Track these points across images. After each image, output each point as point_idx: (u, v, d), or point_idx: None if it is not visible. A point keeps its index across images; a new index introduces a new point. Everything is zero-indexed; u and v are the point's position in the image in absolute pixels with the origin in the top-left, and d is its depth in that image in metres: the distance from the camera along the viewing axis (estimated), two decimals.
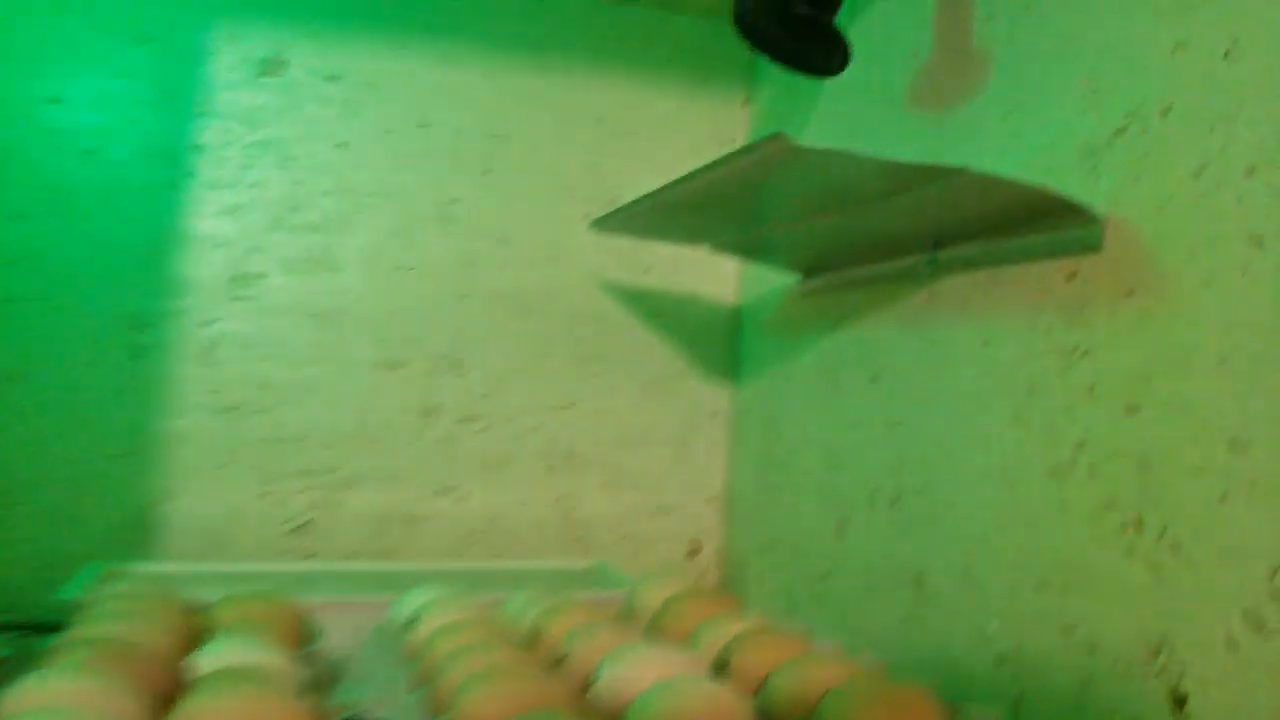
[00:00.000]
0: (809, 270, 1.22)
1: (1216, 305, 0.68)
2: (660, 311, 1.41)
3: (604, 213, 1.15)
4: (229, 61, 1.25)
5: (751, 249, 1.16)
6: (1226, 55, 0.69)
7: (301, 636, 0.86)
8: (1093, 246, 0.79)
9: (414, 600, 0.91)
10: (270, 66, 1.26)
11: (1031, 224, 0.85)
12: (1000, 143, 0.91)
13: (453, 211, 1.33)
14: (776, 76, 1.38)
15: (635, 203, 1.00)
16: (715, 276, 1.44)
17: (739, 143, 1.43)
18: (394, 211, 1.31)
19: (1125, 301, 0.76)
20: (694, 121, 1.43)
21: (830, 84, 1.18)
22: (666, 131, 1.41)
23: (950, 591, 0.94)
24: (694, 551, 1.43)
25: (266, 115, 1.26)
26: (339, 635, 0.90)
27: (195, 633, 0.83)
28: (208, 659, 0.72)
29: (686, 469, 1.42)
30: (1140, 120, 0.76)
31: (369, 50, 1.30)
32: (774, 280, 1.34)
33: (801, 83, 1.24)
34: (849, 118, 1.20)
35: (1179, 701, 0.68)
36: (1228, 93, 0.69)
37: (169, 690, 0.68)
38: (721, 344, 1.44)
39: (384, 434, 1.29)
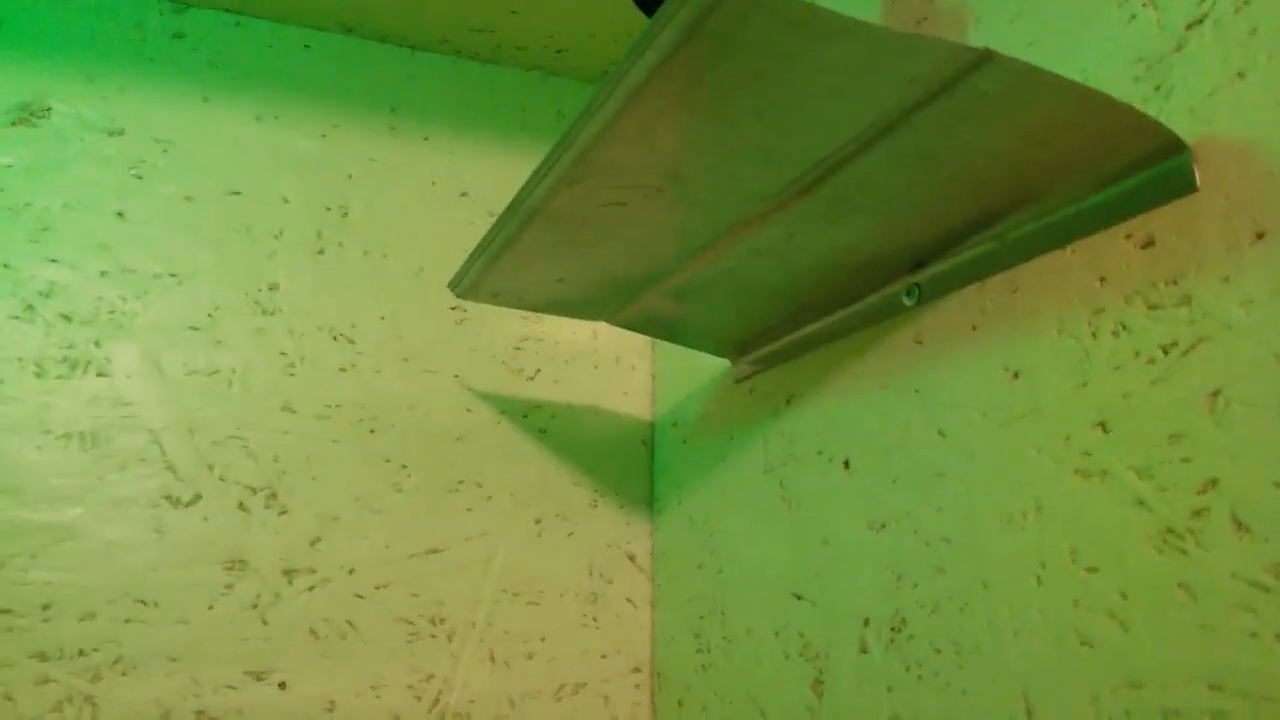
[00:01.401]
0: (742, 346, 0.94)
1: None
2: (553, 427, 1.10)
3: (470, 302, 0.87)
4: None
5: (666, 315, 0.88)
6: None
7: None
8: (1181, 188, 0.53)
9: None
10: (26, 113, 0.97)
11: (1074, 180, 0.59)
12: None
13: (272, 300, 1.02)
14: None
15: (507, 218, 0.71)
16: (621, 381, 1.14)
17: None
18: (190, 299, 0.99)
19: (1254, 250, 0.49)
20: None
21: None
22: None
23: None
24: None
25: (14, 175, 0.95)
26: None
27: None
28: None
29: (599, 631, 1.08)
30: None
31: (163, 99, 1.02)
32: (697, 376, 1.05)
33: None
34: None
35: None
36: None
37: None
38: (635, 465, 1.13)
39: (169, 597, 0.93)
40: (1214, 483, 0.50)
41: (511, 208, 0.70)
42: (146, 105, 1.01)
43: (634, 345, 1.16)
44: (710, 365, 1.03)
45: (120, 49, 1.02)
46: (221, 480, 0.96)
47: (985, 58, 0.49)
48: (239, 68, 1.06)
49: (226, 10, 1.06)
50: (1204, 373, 0.51)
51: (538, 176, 0.65)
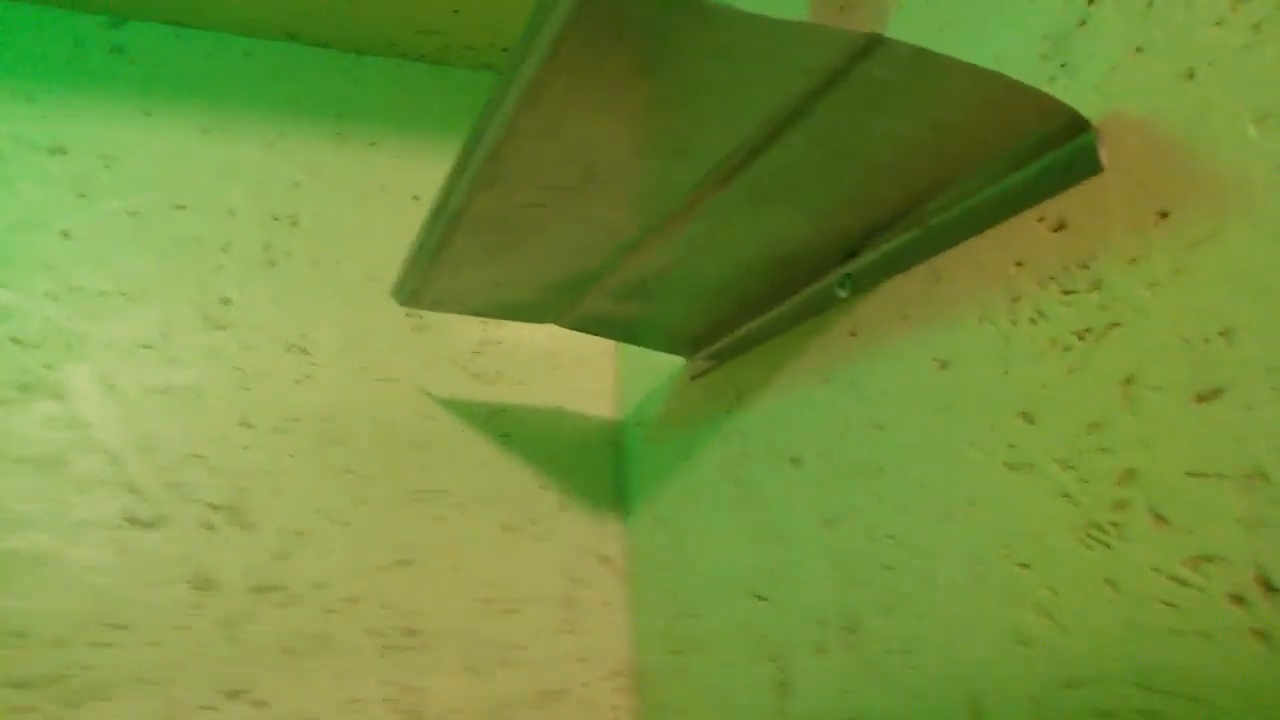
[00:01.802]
0: (695, 343, 0.92)
1: None
2: (517, 431, 1.09)
3: (425, 308, 0.86)
4: None
5: (614, 315, 0.87)
6: None
7: None
8: (1087, 169, 0.51)
9: None
10: None
11: (984, 165, 0.57)
12: None
13: (224, 315, 1.01)
14: None
15: (432, 222, 0.70)
16: (585, 381, 1.13)
17: None
18: (141, 317, 0.98)
19: (1158, 230, 0.47)
20: None
21: None
22: None
23: None
24: None
25: None
26: None
27: None
28: None
29: (576, 636, 1.07)
30: None
31: (105, 115, 1.01)
32: (659, 374, 1.04)
33: None
34: None
35: None
36: None
37: None
38: (603, 466, 1.12)
39: (140, 619, 0.92)
40: (1132, 473, 0.48)
41: (434, 211, 0.69)
42: (88, 122, 1.01)
43: (597, 345, 1.14)
44: (671, 362, 1.01)
45: (59, 66, 1.01)
46: (183, 499, 0.96)
47: (874, 43, 0.47)
48: (181, 79, 1.05)
49: (166, 22, 1.05)
50: (1117, 359, 0.49)
51: (454, 177, 0.64)
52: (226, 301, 1.01)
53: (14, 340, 0.94)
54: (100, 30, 1.03)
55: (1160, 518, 0.47)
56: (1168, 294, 0.46)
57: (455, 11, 1.06)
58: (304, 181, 1.06)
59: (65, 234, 0.98)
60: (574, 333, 1.11)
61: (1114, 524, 0.49)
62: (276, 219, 1.05)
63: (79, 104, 1.01)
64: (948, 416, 0.61)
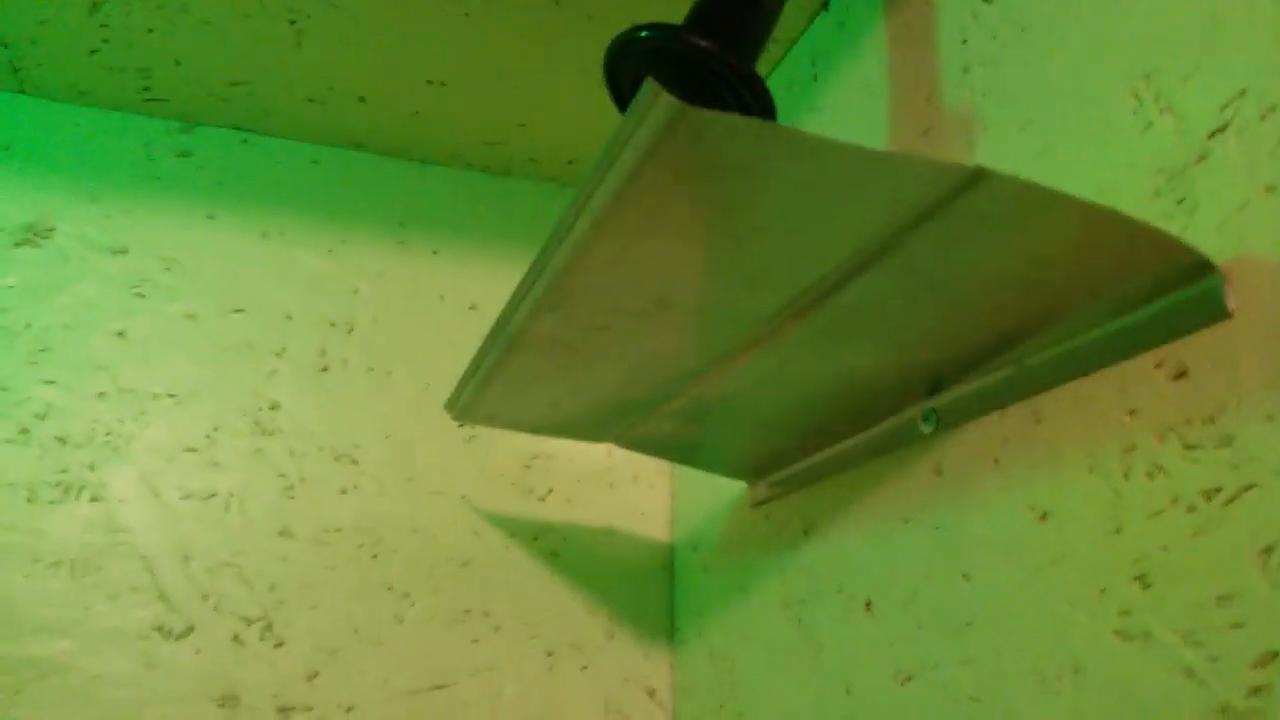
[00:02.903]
0: (758, 469, 0.88)
1: None
2: (566, 551, 1.04)
3: (478, 423, 0.84)
4: None
5: (674, 439, 0.83)
6: None
7: None
8: (1213, 313, 0.47)
9: None
10: (30, 233, 0.96)
11: (1092, 304, 0.53)
12: None
13: (273, 420, 0.98)
14: None
15: (491, 342, 0.67)
16: (639, 500, 1.08)
17: None
18: (188, 420, 0.96)
19: None
20: None
21: None
22: None
23: None
24: None
25: (15, 295, 0.94)
26: None
27: None
28: None
29: None
30: (1255, 98, 0.46)
31: (168, 217, 1.01)
32: (717, 497, 0.99)
33: None
34: None
35: None
36: None
37: None
38: (654, 592, 1.06)
39: None
40: (1275, 656, 0.43)
41: (494, 332, 0.67)
42: (151, 224, 1.00)
43: (652, 463, 1.10)
44: (730, 485, 0.97)
45: (127, 169, 1.02)
46: (215, 610, 0.92)
47: (978, 176, 0.44)
48: (245, 184, 1.05)
49: (235, 128, 1.06)
50: (1253, 525, 0.44)
51: (515, 301, 0.62)
52: (276, 407, 0.98)
53: (58, 439, 0.92)
54: (170, 135, 1.04)
55: None
56: None
57: (521, 125, 1.05)
58: (363, 288, 1.05)
59: (120, 334, 0.96)
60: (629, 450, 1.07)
61: (1253, 712, 0.44)
62: (333, 325, 1.03)
63: (144, 206, 1.01)
64: (1049, 573, 0.56)
